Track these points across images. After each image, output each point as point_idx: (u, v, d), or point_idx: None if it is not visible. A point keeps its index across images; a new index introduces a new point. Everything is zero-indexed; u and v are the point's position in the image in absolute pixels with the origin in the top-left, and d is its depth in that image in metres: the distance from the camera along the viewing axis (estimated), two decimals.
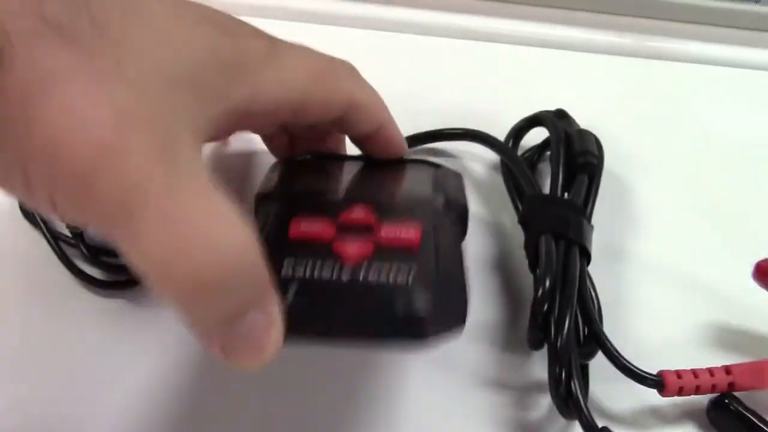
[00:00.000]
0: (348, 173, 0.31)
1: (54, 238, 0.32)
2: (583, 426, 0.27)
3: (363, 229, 0.25)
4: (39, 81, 0.18)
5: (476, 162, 0.38)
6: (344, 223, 0.26)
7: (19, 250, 0.33)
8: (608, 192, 0.35)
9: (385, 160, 0.31)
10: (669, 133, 0.40)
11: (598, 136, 0.36)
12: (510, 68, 0.44)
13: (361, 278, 0.24)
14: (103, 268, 0.32)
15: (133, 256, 0.19)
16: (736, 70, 0.44)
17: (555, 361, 0.28)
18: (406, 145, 0.31)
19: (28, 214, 0.33)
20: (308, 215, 0.26)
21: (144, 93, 0.19)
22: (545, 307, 0.29)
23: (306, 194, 0.28)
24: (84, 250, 0.32)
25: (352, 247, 0.25)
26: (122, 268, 0.32)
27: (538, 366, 0.31)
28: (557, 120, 0.35)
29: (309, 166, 0.32)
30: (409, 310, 0.23)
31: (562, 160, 0.34)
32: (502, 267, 0.34)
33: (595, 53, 0.45)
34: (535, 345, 0.30)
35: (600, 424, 0.27)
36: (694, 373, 0.28)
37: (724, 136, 0.40)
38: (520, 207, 0.34)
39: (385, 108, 0.30)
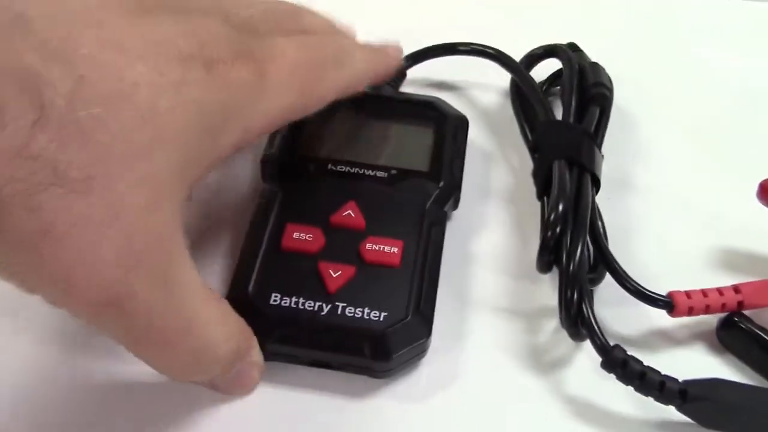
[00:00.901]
0: (349, 129, 0.33)
1: None
2: (596, 346, 0.27)
3: (351, 235, 0.29)
4: (40, 231, 0.19)
5: (479, 89, 0.39)
6: (334, 226, 0.29)
7: None
8: (612, 123, 0.35)
9: (391, 105, 0.34)
10: (670, 65, 0.41)
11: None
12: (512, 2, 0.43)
13: (340, 312, 0.27)
14: None
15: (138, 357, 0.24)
16: (740, 1, 0.44)
17: (567, 285, 0.28)
18: (395, 64, 0.33)
19: None
20: (301, 221, 0.29)
21: (137, 228, 0.21)
22: (558, 230, 0.29)
23: (305, 174, 0.31)
24: None
25: (336, 270, 0.28)
26: None
27: (541, 292, 0.31)
28: (571, 52, 0.35)
29: (313, 119, 0.32)
30: (378, 354, 0.27)
31: (575, 90, 0.33)
32: (508, 196, 0.34)
33: None
34: (544, 268, 0.30)
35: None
36: (704, 292, 0.29)
37: (727, 68, 0.40)
38: (529, 133, 0.34)
39: (374, 63, 0.31)
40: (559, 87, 0.36)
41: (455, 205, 0.32)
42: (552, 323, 0.30)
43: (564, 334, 0.29)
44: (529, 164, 0.34)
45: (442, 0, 0.43)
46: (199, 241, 0.32)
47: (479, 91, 0.38)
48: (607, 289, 0.30)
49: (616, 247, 0.31)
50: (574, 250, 0.29)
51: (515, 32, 0.39)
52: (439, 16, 0.42)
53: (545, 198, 0.31)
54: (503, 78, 0.37)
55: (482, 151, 0.36)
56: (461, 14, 0.43)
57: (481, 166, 0.35)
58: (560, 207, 0.29)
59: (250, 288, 0.28)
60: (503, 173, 0.35)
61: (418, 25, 0.40)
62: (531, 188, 0.33)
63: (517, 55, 0.37)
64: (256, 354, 0.27)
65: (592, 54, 0.37)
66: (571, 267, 0.28)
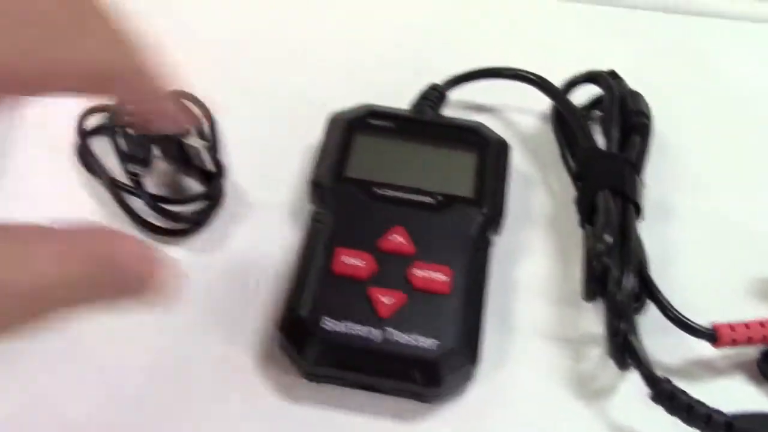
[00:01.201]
0: (393, 153, 0.34)
1: (114, 186, 0.32)
2: (645, 377, 0.28)
3: (400, 260, 0.30)
4: None
5: (518, 113, 0.39)
6: (383, 251, 0.30)
7: (79, 198, 0.34)
8: (651, 150, 0.35)
9: (434, 130, 0.34)
10: (707, 91, 0.41)
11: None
12: (541, 26, 0.44)
13: (391, 338, 0.28)
14: (163, 216, 0.32)
15: None
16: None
17: (615, 316, 0.29)
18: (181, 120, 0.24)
19: (88, 164, 0.33)
20: (350, 245, 0.30)
21: None
22: (604, 261, 0.29)
23: (353, 197, 0.32)
24: (145, 197, 0.32)
25: (387, 297, 0.29)
26: (180, 216, 0.32)
27: (584, 319, 0.32)
28: (611, 80, 0.36)
29: (360, 143, 0.34)
30: (429, 380, 0.28)
31: (617, 119, 0.34)
32: (549, 222, 0.35)
33: (631, 8, 0.44)
34: (590, 297, 0.31)
35: None
36: (746, 324, 0.29)
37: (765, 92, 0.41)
38: (570, 159, 0.35)
39: (151, 80, 0.21)
40: (598, 112, 0.37)
41: (498, 231, 0.33)
42: (596, 350, 0.31)
43: (608, 361, 0.29)
44: (569, 189, 0.34)
45: (483, 24, 0.43)
46: (248, 264, 0.32)
47: (518, 115, 0.39)
48: (649, 316, 0.30)
49: (657, 274, 0.31)
50: (620, 282, 0.29)
51: (550, 58, 0.40)
52: (479, 41, 0.42)
53: (588, 226, 0.32)
54: (541, 103, 0.38)
55: (522, 175, 0.36)
56: (499, 38, 0.43)
57: (522, 191, 0.36)
58: (607, 238, 0.30)
59: (303, 312, 0.28)
60: (544, 198, 0.36)
61: (459, 48, 0.41)
62: (572, 214, 0.33)
63: (553, 80, 0.37)
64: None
65: (629, 80, 0.37)
66: (619, 297, 0.29)
